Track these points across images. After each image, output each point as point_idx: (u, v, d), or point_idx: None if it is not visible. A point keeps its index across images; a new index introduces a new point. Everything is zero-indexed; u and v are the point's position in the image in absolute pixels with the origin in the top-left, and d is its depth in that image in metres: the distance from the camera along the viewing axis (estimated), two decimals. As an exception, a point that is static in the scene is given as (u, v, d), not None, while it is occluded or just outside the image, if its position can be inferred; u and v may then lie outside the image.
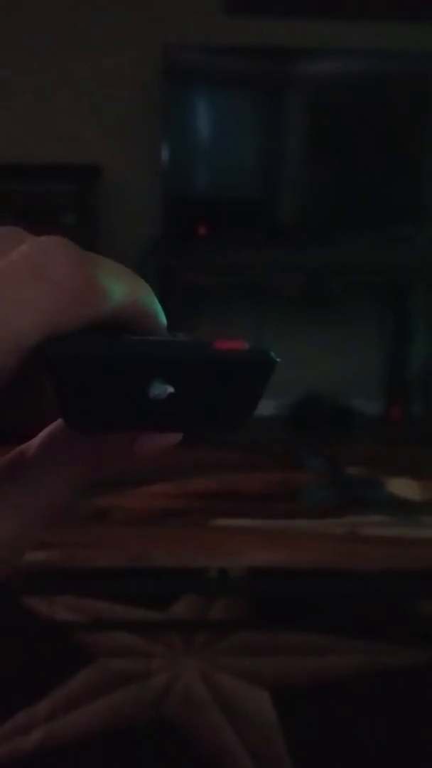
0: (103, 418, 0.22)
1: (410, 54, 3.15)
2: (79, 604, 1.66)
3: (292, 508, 2.22)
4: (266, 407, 3.00)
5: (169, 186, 3.10)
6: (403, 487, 2.39)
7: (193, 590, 1.75)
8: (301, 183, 3.22)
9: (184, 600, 1.70)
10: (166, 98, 3.07)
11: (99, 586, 1.74)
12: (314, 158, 3.22)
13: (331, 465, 2.60)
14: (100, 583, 1.77)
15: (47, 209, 2.93)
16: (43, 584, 1.71)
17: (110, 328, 0.22)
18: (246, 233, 3.08)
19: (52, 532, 1.82)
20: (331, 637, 1.57)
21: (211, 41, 3.13)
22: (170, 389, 0.22)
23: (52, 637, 1.56)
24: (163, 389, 0.22)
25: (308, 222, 3.19)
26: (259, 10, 3.16)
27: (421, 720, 1.36)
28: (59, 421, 0.25)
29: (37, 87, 3.16)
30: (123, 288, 0.22)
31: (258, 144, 3.23)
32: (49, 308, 0.21)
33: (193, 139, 3.17)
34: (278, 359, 0.23)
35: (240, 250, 3.02)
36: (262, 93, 3.20)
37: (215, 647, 1.53)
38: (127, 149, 3.20)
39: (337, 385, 3.25)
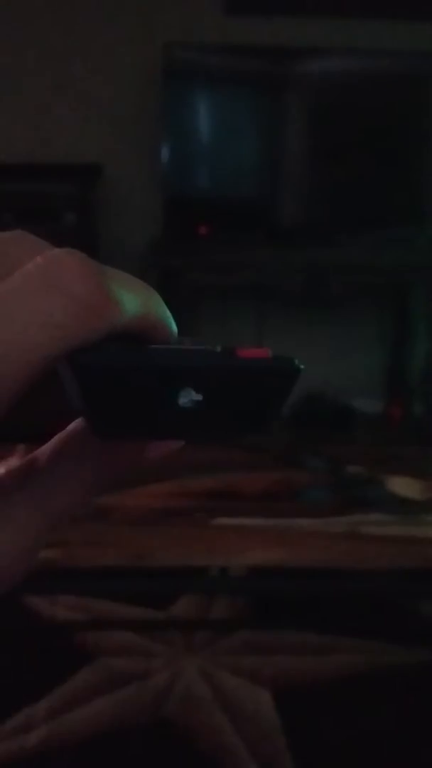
0: (129, 425, 0.23)
1: (411, 54, 3.15)
2: (80, 604, 1.67)
3: (293, 508, 2.22)
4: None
5: (169, 186, 3.10)
6: (403, 486, 2.39)
7: (194, 589, 1.75)
8: (302, 183, 3.22)
9: (184, 599, 1.70)
10: (167, 98, 3.07)
11: (100, 586, 1.75)
12: (315, 158, 3.22)
13: (332, 464, 2.60)
14: (101, 582, 1.77)
15: (48, 209, 2.93)
16: (44, 583, 1.71)
17: (123, 339, 0.23)
18: (246, 233, 3.08)
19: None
20: (332, 637, 1.57)
21: (212, 41, 3.13)
22: (198, 397, 0.22)
23: (52, 636, 1.56)
24: (190, 397, 0.22)
25: (309, 222, 3.19)
26: (260, 10, 3.16)
27: (423, 719, 1.36)
28: (71, 427, 0.25)
29: (37, 87, 3.16)
30: (137, 300, 0.22)
31: (259, 144, 3.23)
32: (64, 322, 0.21)
33: (194, 138, 3.17)
34: (302, 367, 0.24)
35: (240, 251, 3.03)
36: (262, 92, 3.20)
37: (216, 646, 1.53)
38: (127, 149, 3.20)
39: (338, 385, 3.25)
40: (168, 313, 0.24)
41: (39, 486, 0.24)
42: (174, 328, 0.24)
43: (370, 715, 1.35)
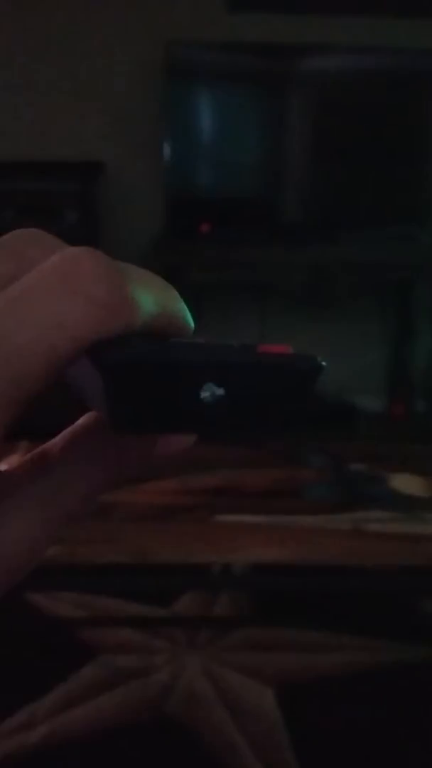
0: (151, 420, 0.22)
1: (415, 51, 3.14)
2: (82, 601, 1.67)
3: (296, 505, 2.22)
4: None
5: (171, 184, 3.10)
6: (406, 484, 2.39)
7: (197, 586, 1.75)
8: (305, 181, 3.22)
9: (187, 596, 1.70)
10: (169, 96, 3.07)
11: (102, 583, 1.75)
12: (318, 156, 3.22)
13: (334, 462, 2.60)
14: (103, 579, 1.77)
15: (49, 207, 2.93)
16: (46, 580, 1.71)
17: (141, 335, 0.22)
18: (248, 231, 3.08)
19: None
20: (334, 634, 1.57)
21: (214, 38, 3.13)
22: (220, 392, 0.22)
23: (55, 633, 1.57)
24: (213, 392, 0.22)
25: (311, 220, 3.19)
26: (262, 7, 3.16)
27: (425, 717, 1.36)
28: (82, 422, 0.25)
29: (38, 84, 3.15)
30: (154, 298, 0.22)
31: (261, 141, 3.23)
32: (82, 322, 0.20)
33: (196, 136, 3.17)
34: (324, 363, 0.23)
35: (242, 248, 3.02)
36: (265, 90, 3.20)
37: (219, 643, 1.53)
38: (129, 147, 3.20)
39: (340, 383, 3.25)
40: (186, 310, 0.24)
41: (50, 480, 0.23)
42: (192, 324, 0.24)
43: (372, 712, 1.35)
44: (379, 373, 3.34)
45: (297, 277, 3.05)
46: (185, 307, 0.24)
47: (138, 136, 3.19)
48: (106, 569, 1.81)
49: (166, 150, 3.08)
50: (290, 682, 1.42)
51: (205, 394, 0.22)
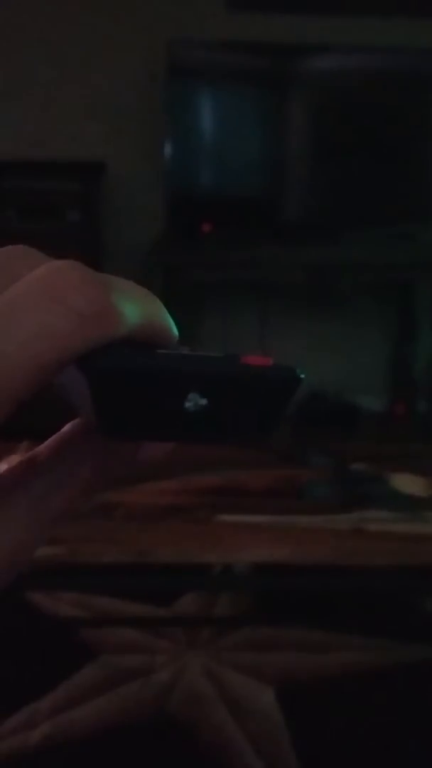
0: (137, 427, 0.23)
1: (416, 51, 3.14)
2: (83, 600, 1.67)
3: (297, 505, 2.22)
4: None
5: (172, 183, 3.10)
6: (407, 484, 2.39)
7: (198, 586, 1.75)
8: (306, 180, 3.22)
9: (188, 596, 1.70)
10: (170, 95, 3.07)
11: (103, 583, 1.75)
12: (319, 155, 3.21)
13: (336, 461, 2.60)
14: (104, 579, 1.77)
15: (51, 207, 2.93)
16: (47, 580, 1.71)
17: (127, 345, 0.23)
18: (250, 231, 3.08)
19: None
20: (335, 634, 1.57)
21: (215, 38, 3.13)
22: (204, 401, 0.23)
23: (56, 633, 1.57)
24: (197, 401, 0.23)
25: (312, 219, 3.19)
26: (263, 6, 3.16)
27: (426, 716, 1.36)
28: (69, 427, 0.25)
29: (40, 84, 3.16)
30: (138, 309, 0.23)
31: (262, 141, 3.22)
32: (66, 333, 0.21)
33: (197, 136, 3.17)
34: (303, 376, 0.24)
35: (244, 248, 3.02)
36: (265, 90, 3.20)
37: (219, 643, 1.53)
38: (130, 146, 3.20)
39: (342, 382, 3.25)
40: (170, 320, 0.24)
41: (38, 483, 0.24)
42: (176, 334, 0.24)
43: (374, 711, 1.35)
44: (380, 373, 3.34)
45: (298, 276, 3.05)
46: (169, 316, 0.24)
47: (139, 136, 3.19)
48: (107, 569, 1.81)
49: (168, 149, 3.08)
50: (291, 682, 1.42)
51: (188, 404, 0.23)
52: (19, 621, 1.59)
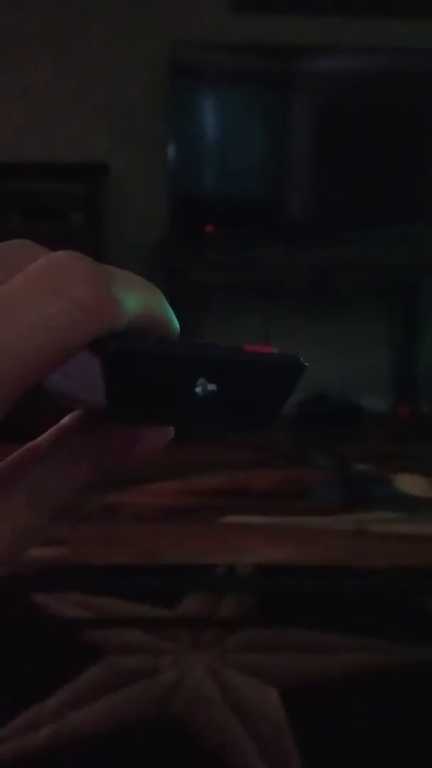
0: (146, 411, 0.24)
1: (418, 51, 3.14)
2: (87, 601, 1.67)
3: (301, 506, 2.22)
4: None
5: (175, 184, 3.10)
6: (411, 484, 2.39)
7: (202, 587, 1.75)
8: (308, 181, 3.22)
9: (192, 597, 1.70)
10: (173, 96, 3.07)
11: (108, 583, 1.75)
12: (322, 156, 3.22)
13: (339, 462, 2.60)
14: (109, 580, 1.77)
15: (54, 208, 2.94)
16: (52, 581, 1.72)
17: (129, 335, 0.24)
18: (253, 232, 3.08)
19: (61, 529, 1.83)
20: (339, 635, 1.57)
21: (218, 39, 3.13)
22: (213, 387, 0.24)
23: (60, 634, 1.57)
24: (206, 387, 0.24)
25: (315, 220, 3.19)
26: (266, 8, 3.16)
27: (430, 718, 1.36)
28: (67, 420, 0.26)
29: (43, 86, 3.16)
30: (138, 300, 0.23)
31: (265, 142, 3.23)
32: (66, 324, 0.21)
33: (200, 137, 3.17)
34: (306, 364, 0.25)
35: (247, 249, 3.02)
36: (269, 91, 3.20)
37: (224, 644, 1.53)
38: (133, 148, 3.20)
39: (345, 383, 3.25)
40: (170, 311, 0.24)
41: (35, 477, 0.24)
42: (177, 325, 0.24)
43: (377, 712, 1.35)
44: (383, 374, 3.34)
45: (301, 277, 3.06)
46: (170, 308, 0.24)
47: (143, 137, 3.19)
48: (112, 570, 1.81)
49: (171, 151, 3.08)
50: (295, 683, 1.42)
51: (197, 389, 0.23)
52: (24, 622, 1.60)
